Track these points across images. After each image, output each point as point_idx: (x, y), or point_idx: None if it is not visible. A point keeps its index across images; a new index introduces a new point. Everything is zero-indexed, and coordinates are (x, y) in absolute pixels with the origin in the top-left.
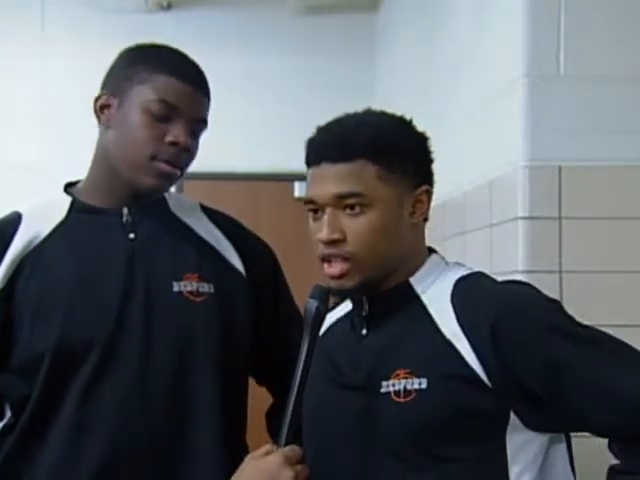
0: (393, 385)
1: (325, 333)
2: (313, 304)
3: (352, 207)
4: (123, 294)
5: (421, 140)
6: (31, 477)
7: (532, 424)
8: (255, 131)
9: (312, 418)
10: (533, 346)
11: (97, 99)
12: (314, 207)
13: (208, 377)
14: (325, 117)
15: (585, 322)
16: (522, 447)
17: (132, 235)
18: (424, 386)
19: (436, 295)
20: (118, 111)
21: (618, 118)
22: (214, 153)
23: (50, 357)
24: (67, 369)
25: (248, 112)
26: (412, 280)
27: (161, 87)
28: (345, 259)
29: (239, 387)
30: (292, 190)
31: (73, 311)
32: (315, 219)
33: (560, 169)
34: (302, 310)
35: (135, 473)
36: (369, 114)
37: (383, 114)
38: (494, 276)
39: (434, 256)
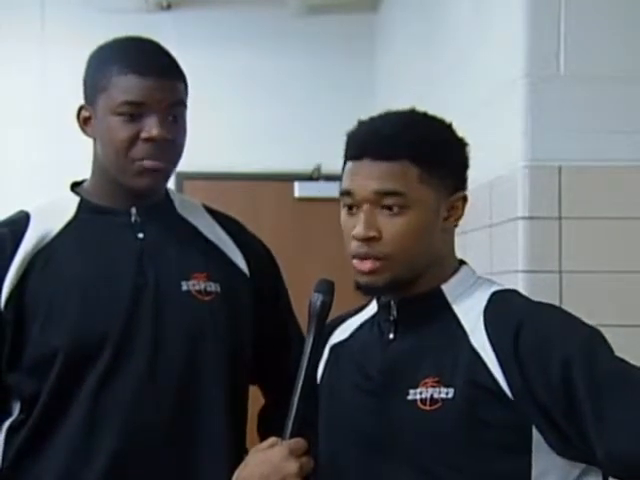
0: (420, 393)
1: (350, 337)
2: (318, 298)
3: (390, 207)
4: (134, 293)
5: (460, 146)
6: (43, 473)
7: (556, 447)
8: (255, 131)
9: (333, 422)
10: (552, 366)
11: (78, 114)
12: (350, 202)
13: (216, 374)
14: (325, 117)
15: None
16: (548, 471)
17: (141, 235)
18: (450, 395)
19: (469, 307)
20: (95, 122)
21: (618, 118)
22: (214, 153)
23: (63, 355)
24: (80, 366)
25: (248, 112)
26: (444, 287)
27: (121, 89)
28: (378, 259)
29: (243, 385)
30: (292, 190)
31: (85, 309)
32: (350, 214)
33: (560, 169)
34: (305, 302)
35: (146, 469)
36: (414, 114)
37: (427, 116)
38: (494, 276)
39: (466, 267)
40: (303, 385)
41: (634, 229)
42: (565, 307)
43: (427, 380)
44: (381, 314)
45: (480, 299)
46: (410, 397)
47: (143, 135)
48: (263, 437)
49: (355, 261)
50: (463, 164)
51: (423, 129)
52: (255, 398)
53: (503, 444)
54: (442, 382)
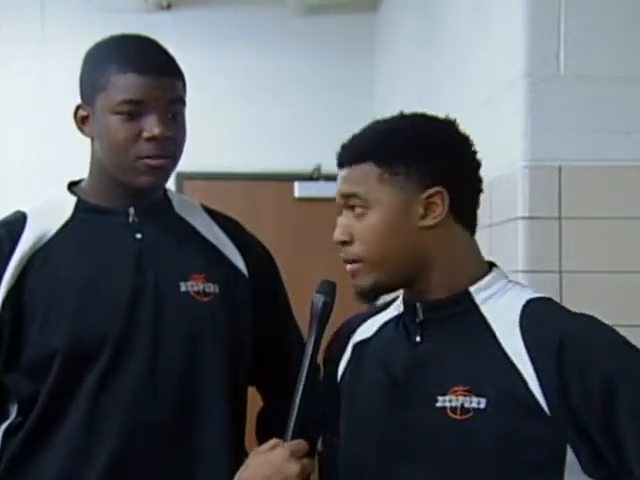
0: (450, 401)
1: (374, 335)
2: (320, 299)
3: (355, 208)
4: (133, 293)
5: (438, 143)
6: (42, 474)
7: (587, 467)
8: (255, 131)
9: (355, 420)
10: (594, 381)
11: (75, 113)
12: (337, 210)
13: (216, 374)
14: (325, 117)
15: None
16: None
17: (139, 235)
18: (482, 406)
19: (501, 312)
20: (94, 121)
21: (618, 118)
22: (214, 153)
23: (62, 356)
24: (79, 367)
25: (248, 112)
26: (472, 290)
27: (120, 88)
28: (353, 261)
29: (243, 386)
30: (292, 190)
31: (84, 310)
32: None
33: (560, 169)
34: (305, 302)
35: (146, 469)
36: (392, 118)
37: (409, 117)
38: None
39: (497, 270)
40: (305, 386)
41: (634, 229)
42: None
43: (457, 388)
44: (407, 315)
45: (513, 305)
46: (439, 404)
47: (145, 135)
48: (262, 439)
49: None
50: (444, 162)
51: (386, 129)
52: (254, 399)
53: (535, 462)
54: (473, 391)
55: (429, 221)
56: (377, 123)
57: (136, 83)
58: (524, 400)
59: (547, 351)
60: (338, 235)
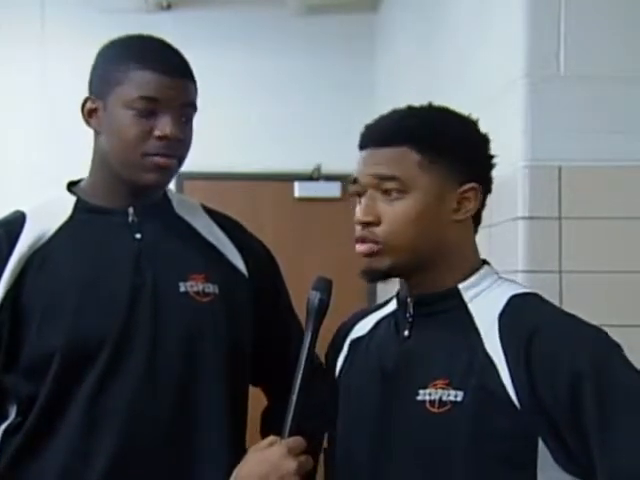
0: (429, 394)
1: (368, 333)
2: (316, 296)
3: (390, 192)
4: (132, 293)
5: (476, 140)
6: (42, 474)
7: (560, 461)
8: (255, 131)
9: (349, 416)
10: (562, 377)
11: (83, 105)
12: (356, 189)
13: (216, 374)
14: (325, 117)
15: None
16: None
17: (138, 235)
18: (459, 399)
19: (485, 308)
20: (104, 115)
21: (618, 118)
22: (214, 153)
23: (60, 356)
24: (78, 367)
25: (248, 112)
26: (461, 287)
27: (138, 84)
28: (376, 242)
29: (243, 385)
30: (292, 190)
31: (83, 310)
32: (359, 202)
33: (560, 169)
34: (305, 302)
35: (146, 469)
36: (428, 108)
37: (443, 109)
38: None
39: (487, 267)
40: (301, 384)
41: (634, 229)
42: (565, 307)
43: (437, 382)
44: (399, 311)
45: (497, 302)
46: (420, 398)
47: (157, 133)
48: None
49: (357, 244)
50: (479, 159)
51: (426, 117)
52: (256, 399)
53: (507, 455)
54: (452, 384)
55: (460, 215)
56: (410, 109)
57: (154, 81)
58: (497, 393)
59: (517, 346)
60: (364, 216)
